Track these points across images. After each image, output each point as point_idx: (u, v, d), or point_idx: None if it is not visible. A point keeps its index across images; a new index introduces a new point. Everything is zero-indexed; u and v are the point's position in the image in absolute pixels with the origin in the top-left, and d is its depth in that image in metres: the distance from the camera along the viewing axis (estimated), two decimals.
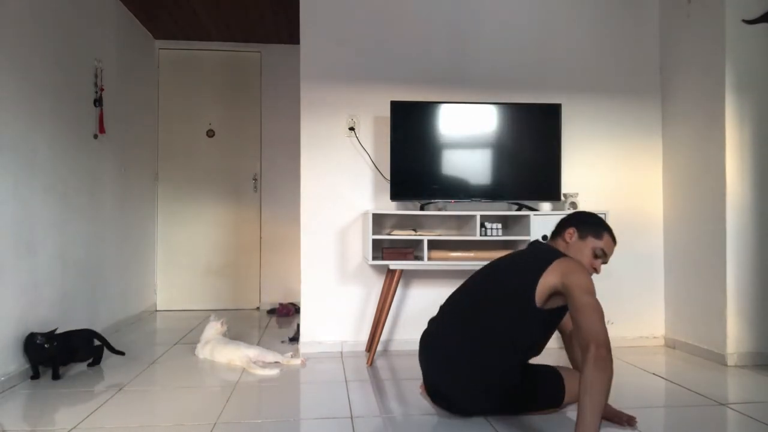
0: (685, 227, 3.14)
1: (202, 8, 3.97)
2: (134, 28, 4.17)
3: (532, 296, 1.86)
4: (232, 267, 4.73)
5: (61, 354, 2.59)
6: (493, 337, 1.92)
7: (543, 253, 1.96)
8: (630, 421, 1.99)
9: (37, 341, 2.48)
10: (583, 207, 3.19)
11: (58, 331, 2.59)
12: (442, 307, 2.16)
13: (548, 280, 1.85)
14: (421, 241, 2.81)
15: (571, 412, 2.07)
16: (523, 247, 2.88)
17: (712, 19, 2.91)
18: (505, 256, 2.16)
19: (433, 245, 2.83)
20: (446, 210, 3.02)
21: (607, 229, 2.01)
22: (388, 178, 3.00)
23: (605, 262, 2.01)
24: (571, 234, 2.01)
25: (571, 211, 3.03)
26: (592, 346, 1.60)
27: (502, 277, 2.03)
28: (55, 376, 2.52)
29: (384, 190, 3.12)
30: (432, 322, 2.15)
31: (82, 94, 3.21)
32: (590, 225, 2.02)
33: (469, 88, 3.21)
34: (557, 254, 1.93)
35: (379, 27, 3.18)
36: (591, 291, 1.75)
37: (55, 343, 2.52)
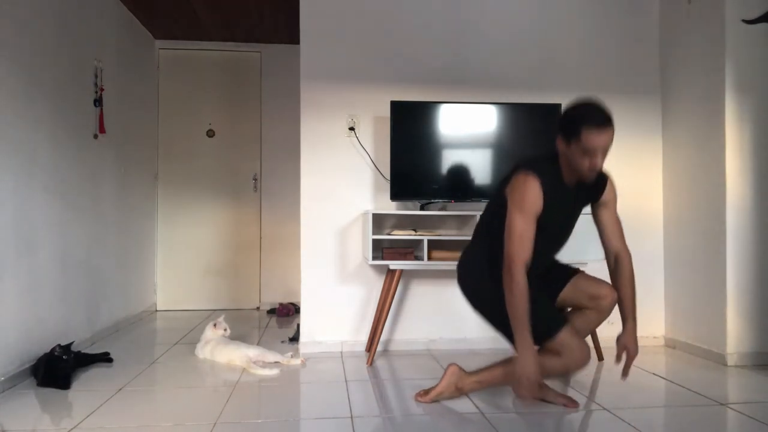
0: (685, 227, 3.14)
1: (202, 8, 3.97)
2: (134, 28, 4.17)
3: (504, 211, 1.97)
4: (232, 267, 4.73)
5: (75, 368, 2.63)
6: (487, 233, 2.07)
7: (515, 167, 2.00)
8: (568, 403, 2.12)
9: (56, 352, 2.50)
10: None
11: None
12: None
13: (506, 195, 1.97)
14: (421, 241, 2.81)
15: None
16: None
17: (712, 19, 2.91)
18: None
19: (433, 245, 2.83)
20: (446, 210, 3.02)
21: (584, 123, 1.81)
22: (388, 178, 3.00)
23: (604, 155, 1.84)
24: (559, 142, 1.92)
25: None
26: (504, 265, 1.88)
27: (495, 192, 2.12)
28: (66, 386, 2.44)
29: (384, 190, 3.12)
30: None
31: (82, 94, 3.21)
32: (567, 126, 1.87)
33: (469, 88, 3.21)
34: (519, 168, 1.96)
35: (379, 27, 3.18)
36: (520, 208, 1.88)
37: (72, 355, 2.56)
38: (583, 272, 2.16)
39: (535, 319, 1.92)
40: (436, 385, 2.20)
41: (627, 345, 2.04)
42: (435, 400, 2.20)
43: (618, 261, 2.06)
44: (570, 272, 2.15)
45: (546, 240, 2.03)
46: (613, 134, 1.84)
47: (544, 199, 1.91)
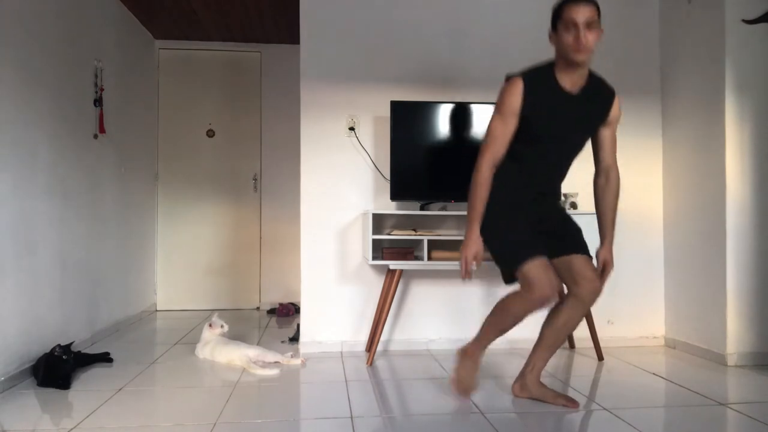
0: (685, 227, 3.14)
1: (202, 8, 3.97)
2: (134, 28, 4.17)
3: None
4: (232, 267, 4.73)
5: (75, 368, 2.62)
6: None
7: (506, 78, 2.06)
8: (568, 403, 2.13)
9: (56, 352, 2.50)
10: (583, 207, 3.19)
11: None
12: None
13: None
14: (421, 241, 2.81)
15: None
16: None
17: (712, 19, 2.91)
18: None
19: (433, 245, 2.83)
20: (446, 210, 3.02)
21: (564, 1, 1.93)
22: (388, 178, 3.01)
23: (588, 29, 1.90)
24: (551, 38, 2.01)
25: (570, 209, 3.03)
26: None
27: None
28: (66, 386, 2.44)
29: (384, 190, 3.12)
30: None
31: (82, 94, 3.21)
32: (553, 16, 1.98)
33: (469, 88, 3.21)
34: (511, 77, 2.02)
35: (379, 27, 3.18)
36: (498, 109, 1.99)
37: (72, 356, 2.56)
38: (590, 257, 2.11)
39: (512, 243, 2.02)
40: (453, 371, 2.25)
41: (606, 258, 2.15)
42: (462, 383, 2.20)
43: (609, 177, 2.16)
44: (579, 248, 2.10)
45: (543, 154, 2.05)
46: (594, 10, 1.90)
47: (530, 100, 1.95)
